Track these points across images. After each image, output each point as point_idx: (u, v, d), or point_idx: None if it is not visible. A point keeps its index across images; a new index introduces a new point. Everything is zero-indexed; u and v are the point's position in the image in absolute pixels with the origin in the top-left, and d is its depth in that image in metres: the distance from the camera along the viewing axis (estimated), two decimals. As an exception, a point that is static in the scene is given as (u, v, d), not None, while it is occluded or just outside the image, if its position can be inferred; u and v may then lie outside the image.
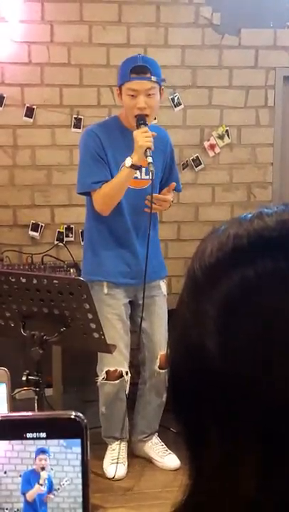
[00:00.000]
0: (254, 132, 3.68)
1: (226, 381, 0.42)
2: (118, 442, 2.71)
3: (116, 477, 2.64)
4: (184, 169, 3.62)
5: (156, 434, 2.81)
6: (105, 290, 2.63)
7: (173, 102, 3.59)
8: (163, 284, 2.75)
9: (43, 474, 0.42)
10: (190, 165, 3.63)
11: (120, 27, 3.50)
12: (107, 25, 3.49)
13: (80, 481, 0.43)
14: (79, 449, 0.42)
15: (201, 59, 3.59)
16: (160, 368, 2.67)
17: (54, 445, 0.43)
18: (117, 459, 2.68)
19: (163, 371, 2.66)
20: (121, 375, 2.62)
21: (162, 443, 2.78)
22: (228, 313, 0.43)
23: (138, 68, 2.48)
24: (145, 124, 2.45)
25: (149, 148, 2.40)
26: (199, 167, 3.65)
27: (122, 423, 2.70)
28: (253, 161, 3.71)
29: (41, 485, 0.42)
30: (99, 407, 2.72)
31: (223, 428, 0.42)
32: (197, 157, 3.63)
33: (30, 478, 0.43)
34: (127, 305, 2.68)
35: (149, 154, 2.40)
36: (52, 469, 0.43)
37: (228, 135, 3.65)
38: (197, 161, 3.64)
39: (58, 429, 0.42)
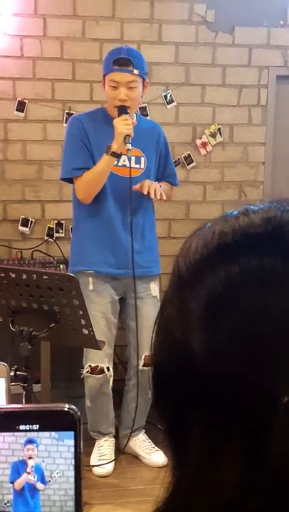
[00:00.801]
0: (246, 131, 3.69)
1: (210, 378, 0.41)
2: (105, 438, 2.71)
3: (102, 474, 2.64)
4: (175, 167, 3.61)
5: (143, 430, 2.81)
6: (90, 286, 2.61)
7: (165, 99, 3.58)
8: (154, 286, 2.72)
9: (30, 462, 0.42)
10: (182, 163, 3.63)
11: (114, 22, 3.49)
12: (100, 20, 3.48)
13: (71, 473, 0.43)
14: (71, 442, 0.42)
15: (194, 56, 3.58)
16: (144, 365, 2.68)
17: (46, 437, 0.43)
18: (104, 455, 2.68)
19: (147, 369, 2.67)
20: (103, 371, 2.63)
21: (149, 440, 2.79)
22: (213, 310, 0.42)
23: (121, 60, 2.49)
24: (126, 113, 2.47)
25: (129, 135, 2.41)
26: (191, 165, 3.65)
27: (108, 418, 2.70)
28: (244, 160, 3.71)
29: (28, 473, 0.42)
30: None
31: (207, 425, 0.42)
32: (189, 155, 3.63)
33: (19, 467, 0.43)
34: (115, 302, 2.67)
35: (128, 141, 2.41)
36: (43, 461, 0.42)
37: (220, 133, 3.65)
38: (189, 159, 3.64)
39: (51, 422, 0.42)
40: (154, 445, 2.76)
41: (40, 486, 0.43)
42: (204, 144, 3.65)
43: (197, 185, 3.68)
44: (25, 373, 2.05)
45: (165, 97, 3.58)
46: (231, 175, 3.70)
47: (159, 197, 2.55)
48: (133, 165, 2.60)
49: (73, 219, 2.75)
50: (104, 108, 2.67)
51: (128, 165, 2.59)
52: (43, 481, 0.43)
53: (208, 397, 0.42)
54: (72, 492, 0.43)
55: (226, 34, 3.61)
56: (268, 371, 0.40)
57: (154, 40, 3.54)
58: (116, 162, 2.55)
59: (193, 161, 3.64)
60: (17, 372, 2.04)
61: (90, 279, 2.61)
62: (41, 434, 0.42)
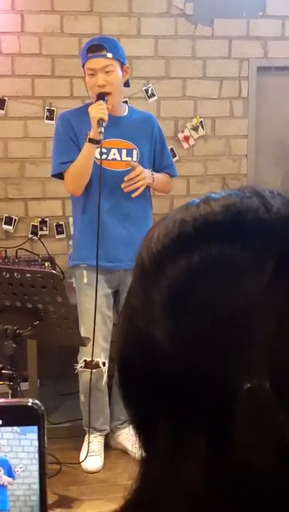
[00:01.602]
0: (228, 124, 3.69)
1: (173, 368, 0.41)
2: (96, 434, 2.71)
3: (92, 469, 2.63)
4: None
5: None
6: (84, 280, 2.62)
7: (146, 93, 3.57)
8: None
9: None
10: (164, 156, 3.62)
11: (92, 17, 3.47)
12: (78, 15, 3.45)
13: (34, 467, 0.42)
14: (33, 436, 0.42)
15: (174, 49, 3.57)
16: None
17: (7, 431, 0.42)
18: (94, 451, 2.68)
19: None
20: (98, 366, 2.62)
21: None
22: (175, 299, 0.42)
23: (93, 47, 2.52)
24: (103, 99, 2.47)
25: (102, 119, 2.41)
26: (174, 159, 3.63)
27: (103, 414, 2.69)
28: (227, 153, 3.72)
29: None
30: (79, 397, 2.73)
31: (171, 416, 0.42)
32: (172, 149, 3.62)
33: None
34: (108, 295, 2.67)
35: (101, 125, 2.40)
36: (6, 456, 0.42)
37: (202, 127, 3.65)
38: (172, 153, 3.61)
39: (14, 417, 0.42)
40: None
41: (5, 480, 0.42)
42: (186, 138, 3.64)
43: (180, 179, 3.67)
44: (10, 372, 2.04)
45: (146, 91, 3.57)
46: (214, 168, 3.70)
47: (133, 188, 2.54)
48: (124, 158, 2.60)
49: (72, 216, 2.79)
50: (90, 103, 2.67)
51: (118, 158, 2.59)
52: (10, 474, 0.43)
53: (172, 388, 0.42)
54: (36, 486, 0.43)
55: (206, 26, 3.60)
56: (229, 359, 0.40)
57: (133, 34, 3.52)
58: (105, 156, 2.55)
59: (175, 155, 3.63)
60: (2, 371, 2.03)
61: (84, 272, 2.62)
62: (3, 428, 0.41)
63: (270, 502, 0.40)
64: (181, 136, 3.63)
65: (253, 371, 0.40)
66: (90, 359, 2.60)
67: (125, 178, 2.55)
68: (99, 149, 2.51)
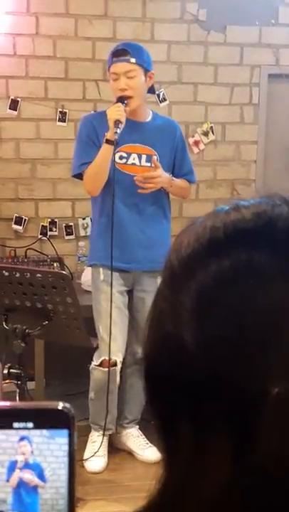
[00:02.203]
0: (238, 129, 3.71)
1: (201, 371, 0.42)
2: (100, 433, 2.72)
3: (95, 470, 2.65)
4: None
5: (137, 426, 2.83)
6: (101, 277, 2.65)
7: (158, 98, 3.59)
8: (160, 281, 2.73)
9: (19, 458, 0.43)
10: (174, 161, 3.64)
11: (106, 21, 3.50)
12: (93, 19, 3.48)
13: (62, 471, 0.43)
14: (62, 440, 0.42)
15: (186, 55, 3.60)
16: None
17: (37, 435, 0.43)
18: (97, 451, 2.70)
19: None
20: (115, 364, 2.64)
21: (143, 436, 2.81)
22: (204, 303, 0.43)
23: (118, 52, 2.55)
24: (122, 103, 2.49)
25: (119, 120, 2.43)
26: (183, 163, 3.66)
27: (111, 415, 2.70)
28: (236, 158, 3.73)
29: (20, 468, 0.43)
30: (88, 394, 2.73)
31: (196, 420, 0.43)
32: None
33: (14, 466, 0.43)
34: (123, 293, 2.69)
35: (117, 126, 2.42)
36: (34, 460, 0.43)
37: (212, 132, 3.67)
38: (181, 157, 3.65)
39: (45, 420, 0.43)
40: (147, 441, 2.78)
41: (36, 482, 0.43)
42: (197, 143, 3.66)
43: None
44: (18, 371, 2.06)
45: (158, 95, 3.59)
46: (223, 173, 3.72)
47: (145, 187, 2.56)
48: (144, 163, 2.62)
49: (91, 217, 2.84)
50: None
51: (138, 163, 2.61)
52: (41, 478, 0.44)
53: (197, 391, 0.42)
54: (63, 490, 0.43)
55: (218, 33, 3.62)
56: (258, 363, 0.41)
57: (147, 39, 3.54)
58: (125, 160, 2.58)
59: (185, 160, 3.65)
60: (10, 370, 2.06)
61: (101, 269, 2.65)
62: (32, 432, 0.42)
63: None
64: (191, 140, 3.65)
65: (279, 377, 0.40)
66: (108, 358, 2.60)
67: (144, 174, 2.56)
68: (118, 153, 2.53)
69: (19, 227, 3.51)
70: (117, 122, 2.43)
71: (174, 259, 0.47)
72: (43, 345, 2.97)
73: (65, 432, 0.43)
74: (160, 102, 3.60)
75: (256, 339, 0.41)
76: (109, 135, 2.47)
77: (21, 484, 0.44)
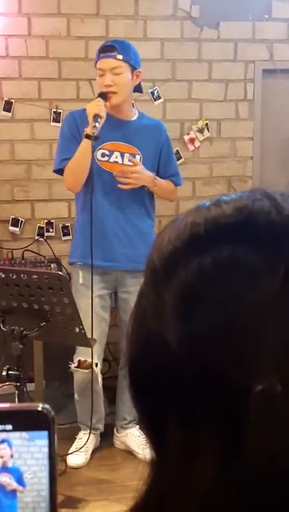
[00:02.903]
0: (234, 126, 3.70)
1: (184, 369, 0.42)
2: (86, 432, 2.72)
3: (74, 465, 2.64)
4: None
5: (138, 426, 2.82)
6: (80, 280, 2.64)
7: (152, 96, 3.58)
8: None
9: None
10: (170, 158, 3.63)
11: (99, 19, 3.48)
12: (85, 18, 3.47)
13: (43, 474, 0.42)
14: (42, 442, 0.42)
15: (180, 52, 3.59)
16: None
17: (16, 438, 0.42)
18: (80, 448, 2.70)
19: None
20: (90, 366, 2.65)
21: (143, 435, 2.80)
22: (186, 301, 0.42)
23: (105, 48, 2.55)
24: (104, 98, 2.48)
25: (98, 115, 2.42)
26: (179, 161, 3.64)
27: (97, 414, 2.71)
28: (232, 155, 3.72)
29: None
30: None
31: (182, 420, 0.42)
32: (177, 151, 3.64)
33: None
34: (104, 297, 2.68)
35: (96, 120, 2.41)
36: (14, 463, 0.42)
37: (207, 129, 3.66)
38: (177, 155, 3.64)
39: (24, 422, 0.42)
40: None
41: (15, 486, 0.42)
42: (192, 140, 3.65)
43: (186, 181, 3.67)
44: (17, 373, 2.06)
45: (152, 93, 3.58)
46: (220, 170, 3.71)
47: (124, 181, 2.54)
48: (126, 162, 2.61)
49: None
50: None
51: (120, 161, 2.61)
52: (20, 482, 0.43)
53: (182, 390, 0.42)
54: (44, 493, 0.42)
55: (211, 29, 3.61)
56: (241, 360, 0.40)
57: (140, 37, 3.53)
58: (107, 158, 2.56)
59: (181, 157, 3.64)
60: (9, 372, 2.05)
61: (80, 272, 2.64)
62: (12, 434, 0.42)
63: (281, 505, 0.40)
64: (186, 138, 3.64)
65: (265, 373, 0.40)
66: (84, 359, 2.63)
67: (122, 168, 2.56)
68: (101, 151, 2.52)
69: (16, 229, 3.50)
70: (96, 117, 2.41)
71: (155, 257, 0.46)
72: (41, 347, 2.96)
73: (45, 433, 0.42)
74: (154, 100, 3.59)
75: (241, 336, 0.41)
76: (88, 130, 2.45)
77: (1, 489, 0.43)
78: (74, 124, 2.62)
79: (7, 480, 0.42)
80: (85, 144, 2.48)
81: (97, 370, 2.66)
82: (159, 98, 3.59)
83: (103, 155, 2.57)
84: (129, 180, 2.56)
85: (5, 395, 2.78)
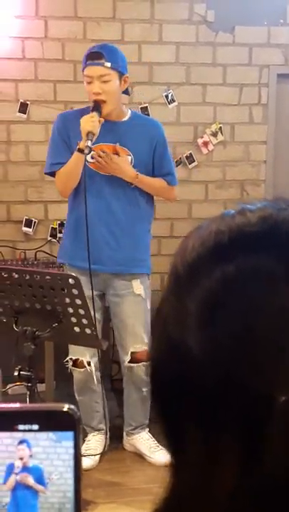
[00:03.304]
0: (247, 130, 3.69)
1: (208, 379, 0.42)
2: (94, 434, 2.72)
3: (86, 467, 2.63)
4: (177, 166, 3.62)
5: (147, 429, 2.82)
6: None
7: (167, 99, 3.59)
8: (136, 284, 2.67)
9: (17, 463, 0.42)
10: (183, 162, 3.64)
11: (115, 23, 3.50)
12: (101, 21, 3.49)
13: (69, 475, 0.42)
14: (69, 443, 0.42)
15: (195, 56, 3.59)
16: (131, 362, 2.69)
17: (43, 439, 0.43)
18: (90, 450, 2.69)
19: (135, 365, 2.68)
20: (83, 365, 2.66)
21: (153, 438, 2.80)
22: (209, 309, 0.43)
23: (92, 54, 2.52)
24: (98, 111, 2.47)
25: (91, 132, 2.41)
26: (192, 164, 3.66)
27: (97, 414, 2.71)
28: (246, 159, 3.72)
29: (16, 474, 0.42)
30: None
31: (203, 427, 0.43)
32: (190, 154, 3.64)
33: (12, 469, 0.43)
34: (90, 298, 2.67)
35: (89, 138, 2.40)
36: (41, 463, 0.42)
37: (221, 132, 3.66)
38: (190, 158, 3.65)
39: (50, 422, 0.42)
40: (158, 444, 2.78)
41: (34, 486, 0.43)
42: (206, 143, 3.66)
43: (199, 184, 3.69)
44: (28, 373, 2.07)
45: (166, 96, 3.59)
46: (233, 174, 3.71)
47: (98, 160, 2.53)
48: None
49: None
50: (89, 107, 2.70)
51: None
52: (41, 482, 0.44)
53: (205, 397, 0.42)
54: (70, 494, 0.43)
55: (227, 33, 3.61)
56: (265, 370, 0.40)
57: (155, 41, 3.55)
58: (90, 158, 2.56)
59: (194, 161, 3.65)
60: (21, 372, 2.06)
61: (67, 269, 2.64)
62: (39, 435, 0.42)
63: None
64: (200, 141, 3.64)
65: (287, 384, 0.40)
66: (76, 358, 2.64)
67: (106, 152, 2.54)
68: (91, 152, 2.50)
69: (29, 230, 3.52)
70: (89, 134, 2.40)
71: (178, 265, 0.46)
72: (52, 347, 2.97)
73: (71, 434, 0.42)
74: (169, 103, 3.60)
75: (263, 345, 0.41)
76: (81, 144, 2.44)
77: (19, 488, 0.43)
78: (63, 128, 2.62)
79: (27, 480, 0.43)
80: (77, 157, 2.49)
81: (91, 368, 2.66)
82: (174, 101, 3.60)
83: (93, 157, 2.56)
84: (105, 164, 2.54)
85: (16, 395, 2.80)
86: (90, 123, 2.42)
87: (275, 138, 3.73)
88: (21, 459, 0.43)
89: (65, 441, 0.42)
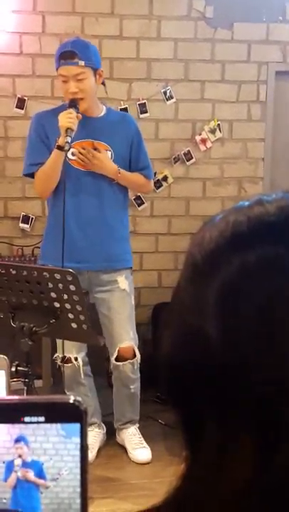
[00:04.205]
0: (246, 127, 3.69)
1: (225, 367, 0.42)
2: (90, 429, 2.72)
3: None
4: (175, 163, 3.62)
5: (137, 425, 2.81)
6: None
7: (165, 96, 3.58)
8: (121, 279, 2.66)
9: (16, 462, 0.42)
10: (181, 159, 3.63)
11: (113, 19, 3.49)
12: (99, 17, 3.48)
13: (79, 470, 0.43)
14: (78, 439, 0.42)
15: (193, 52, 3.59)
16: (117, 360, 2.68)
17: (53, 435, 0.43)
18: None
19: (121, 363, 2.69)
20: (70, 361, 2.66)
21: (139, 435, 2.79)
22: (228, 297, 0.43)
23: (65, 54, 2.50)
24: (75, 107, 2.47)
25: (70, 128, 2.40)
26: (190, 161, 3.65)
27: (90, 407, 2.71)
28: (244, 156, 3.72)
29: (16, 472, 0.42)
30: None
31: (220, 415, 0.43)
32: (188, 151, 3.64)
33: (11, 466, 0.43)
34: None
35: (68, 134, 2.40)
36: (51, 459, 0.43)
37: (219, 129, 3.65)
38: (188, 155, 3.64)
39: (56, 414, 0.42)
40: (142, 441, 2.76)
41: (37, 481, 0.43)
42: (204, 140, 3.65)
43: (197, 181, 3.69)
44: (26, 369, 2.06)
45: (164, 93, 3.58)
46: (231, 171, 3.71)
47: (79, 157, 2.52)
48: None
49: None
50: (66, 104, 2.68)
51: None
52: (41, 475, 0.43)
53: (221, 387, 0.42)
54: (79, 489, 0.44)
55: (225, 30, 3.61)
56: (283, 357, 0.41)
57: (153, 37, 3.54)
58: (76, 156, 2.55)
59: (192, 158, 3.64)
60: (18, 368, 2.06)
61: None
62: (49, 431, 0.42)
63: None
64: (198, 138, 3.64)
65: None
66: (62, 355, 2.64)
67: (88, 149, 2.53)
68: (71, 150, 2.49)
69: (26, 226, 3.51)
70: (68, 130, 2.40)
71: (196, 255, 0.46)
72: (50, 343, 2.97)
73: (77, 426, 0.42)
74: (167, 100, 3.59)
75: (281, 334, 0.41)
76: (60, 141, 2.43)
77: (20, 483, 0.43)
78: (40, 128, 2.61)
79: (30, 475, 0.43)
80: (57, 155, 2.47)
81: (78, 363, 2.67)
82: (172, 98, 3.59)
83: (73, 154, 2.55)
84: (87, 161, 2.53)
85: (13, 391, 2.79)
86: (68, 119, 2.41)
87: (273, 135, 3.73)
88: (20, 456, 0.43)
89: (74, 437, 0.42)
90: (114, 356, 2.69)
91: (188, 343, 0.44)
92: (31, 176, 2.64)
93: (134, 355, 2.69)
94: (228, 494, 0.42)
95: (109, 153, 2.61)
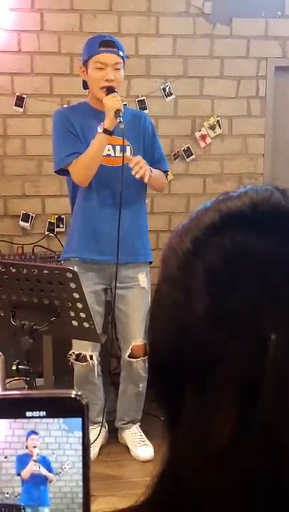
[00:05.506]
0: (245, 123, 3.68)
1: (209, 334, 0.44)
2: (94, 427, 2.72)
3: None
4: (175, 160, 3.61)
5: (138, 424, 2.81)
6: None
7: (164, 92, 3.57)
8: (142, 277, 2.70)
9: (35, 450, 0.43)
10: (181, 155, 3.63)
11: (111, 16, 3.48)
12: (97, 14, 3.47)
13: (81, 464, 0.43)
14: (80, 433, 0.43)
15: (192, 48, 3.58)
16: (130, 357, 2.69)
17: (55, 429, 0.43)
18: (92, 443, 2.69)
19: (134, 360, 2.69)
20: (86, 359, 2.66)
21: (141, 433, 2.79)
22: (212, 275, 0.47)
23: (107, 42, 2.58)
24: (114, 92, 2.52)
25: (119, 109, 2.46)
26: (190, 158, 3.64)
27: (96, 407, 2.71)
28: (244, 152, 3.71)
29: (35, 461, 0.43)
30: None
31: (201, 385, 0.44)
32: (188, 148, 3.63)
33: (24, 459, 0.43)
34: (98, 292, 2.67)
35: (119, 115, 2.45)
36: (53, 453, 0.43)
37: (219, 126, 3.65)
38: (188, 152, 3.63)
39: (58, 408, 0.43)
40: (144, 439, 2.77)
41: (47, 474, 0.43)
42: (203, 137, 3.64)
43: (197, 177, 3.68)
44: (27, 367, 2.06)
45: (164, 89, 3.57)
46: (231, 167, 3.70)
47: (140, 176, 2.54)
48: (118, 154, 2.62)
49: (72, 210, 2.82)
50: (87, 102, 2.70)
51: (113, 154, 2.62)
52: (49, 470, 0.44)
53: (205, 351, 0.44)
54: (82, 483, 0.44)
55: (224, 26, 3.60)
56: (257, 310, 0.43)
57: (152, 33, 3.53)
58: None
59: (192, 154, 3.63)
60: (19, 367, 2.05)
61: (75, 267, 2.63)
62: (51, 426, 0.42)
63: None
64: (198, 134, 3.63)
65: (280, 326, 0.43)
66: (78, 352, 2.65)
67: (129, 158, 2.57)
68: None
69: (26, 224, 3.50)
70: (118, 112, 2.45)
71: (176, 243, 0.50)
72: (51, 341, 2.96)
73: (79, 420, 0.42)
74: (166, 96, 3.58)
75: (259, 297, 0.44)
76: (107, 125, 2.48)
77: (32, 477, 0.43)
78: (67, 120, 2.63)
79: (43, 469, 0.43)
80: (102, 139, 2.51)
81: (93, 362, 2.67)
82: (171, 94, 3.58)
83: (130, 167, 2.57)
84: (140, 169, 2.54)
85: (14, 390, 2.79)
86: (116, 101, 2.47)
87: (273, 131, 3.72)
88: (34, 447, 0.43)
89: (76, 431, 0.42)
90: (128, 353, 2.69)
91: (173, 316, 0.47)
92: (63, 173, 2.65)
93: (146, 354, 2.69)
94: (213, 454, 0.43)
95: (128, 147, 2.64)
